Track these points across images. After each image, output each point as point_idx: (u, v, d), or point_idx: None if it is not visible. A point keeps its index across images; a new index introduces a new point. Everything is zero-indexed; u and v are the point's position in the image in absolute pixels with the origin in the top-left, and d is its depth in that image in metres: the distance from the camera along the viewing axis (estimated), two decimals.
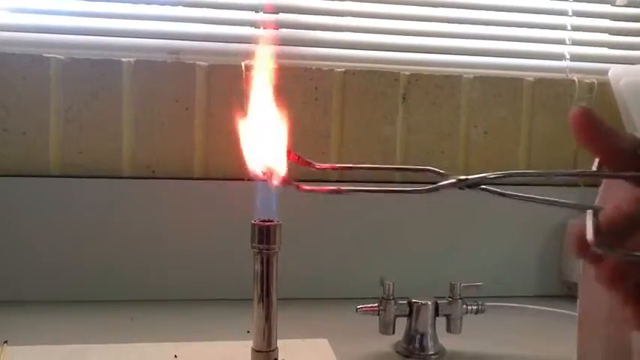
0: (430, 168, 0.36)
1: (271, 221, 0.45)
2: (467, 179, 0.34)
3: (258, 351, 0.46)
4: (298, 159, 0.40)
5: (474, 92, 0.91)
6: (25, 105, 0.81)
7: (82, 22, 0.84)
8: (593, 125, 0.32)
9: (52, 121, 0.81)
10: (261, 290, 0.46)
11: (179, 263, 0.81)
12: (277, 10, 0.88)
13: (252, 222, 0.45)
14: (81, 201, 0.80)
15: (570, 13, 0.95)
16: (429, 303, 0.65)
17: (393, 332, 0.65)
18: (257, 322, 0.46)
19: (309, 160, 0.40)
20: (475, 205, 0.83)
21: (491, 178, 0.34)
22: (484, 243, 0.88)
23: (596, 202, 0.36)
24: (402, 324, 0.65)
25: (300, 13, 0.89)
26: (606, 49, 0.98)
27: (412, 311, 0.65)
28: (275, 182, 0.39)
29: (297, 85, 0.86)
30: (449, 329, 0.66)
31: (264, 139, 0.40)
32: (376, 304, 0.65)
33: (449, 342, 0.66)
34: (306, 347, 0.64)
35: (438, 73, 0.90)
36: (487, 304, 0.67)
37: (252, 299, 0.46)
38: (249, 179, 0.41)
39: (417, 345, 0.65)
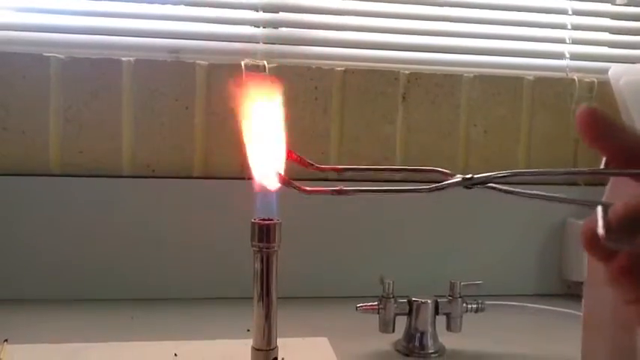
0: (435, 168, 0.36)
1: (271, 220, 0.45)
2: (472, 178, 0.34)
3: (258, 349, 0.46)
4: (299, 159, 0.39)
5: (474, 91, 0.91)
6: (25, 104, 0.81)
7: (82, 21, 0.84)
8: (599, 125, 0.32)
9: (51, 120, 0.81)
10: (261, 289, 0.45)
11: (179, 262, 0.81)
12: (277, 9, 0.88)
13: (252, 220, 0.45)
14: (81, 200, 0.80)
15: (570, 12, 0.95)
16: (429, 301, 0.65)
17: (393, 331, 0.65)
18: (257, 321, 0.46)
19: (311, 162, 0.40)
20: (475, 204, 0.83)
21: (498, 177, 0.34)
22: (484, 242, 0.88)
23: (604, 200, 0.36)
24: (401, 322, 0.66)
25: (300, 12, 0.89)
26: (606, 48, 0.98)
27: (412, 310, 0.65)
28: (275, 183, 0.39)
29: (297, 85, 0.86)
30: (449, 328, 0.66)
31: (264, 140, 0.40)
32: (376, 303, 0.65)
33: (449, 340, 0.66)
34: (306, 346, 0.64)
35: (438, 72, 0.90)
36: (487, 302, 0.68)
37: (252, 298, 0.46)
38: (249, 178, 0.41)
39: (416, 343, 0.65)
